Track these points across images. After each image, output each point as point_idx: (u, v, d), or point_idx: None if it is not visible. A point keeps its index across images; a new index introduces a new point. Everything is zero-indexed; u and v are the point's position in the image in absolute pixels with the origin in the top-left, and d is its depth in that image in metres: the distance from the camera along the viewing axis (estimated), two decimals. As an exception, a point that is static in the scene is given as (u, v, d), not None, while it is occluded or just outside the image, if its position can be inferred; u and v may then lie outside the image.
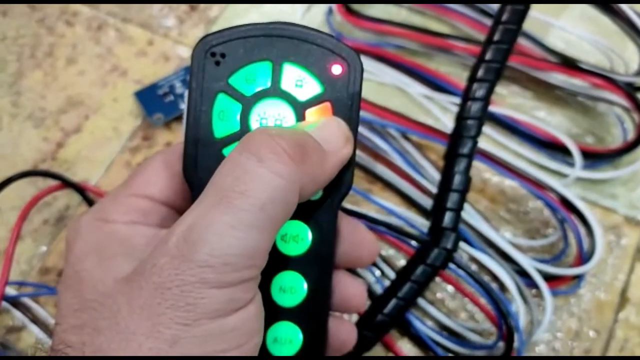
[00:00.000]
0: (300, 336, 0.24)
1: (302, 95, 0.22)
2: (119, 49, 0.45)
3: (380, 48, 0.43)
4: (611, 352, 0.35)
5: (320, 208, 0.23)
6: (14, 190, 0.36)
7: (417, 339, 0.34)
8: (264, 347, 0.23)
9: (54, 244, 0.38)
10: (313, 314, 0.24)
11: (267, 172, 0.19)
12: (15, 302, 0.35)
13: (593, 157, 0.39)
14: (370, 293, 0.34)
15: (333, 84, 0.22)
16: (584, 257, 0.35)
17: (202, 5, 0.46)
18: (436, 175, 0.37)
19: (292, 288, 0.23)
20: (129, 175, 0.24)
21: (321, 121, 0.22)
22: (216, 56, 0.22)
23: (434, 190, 0.36)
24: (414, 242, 0.35)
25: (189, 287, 0.18)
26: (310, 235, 0.23)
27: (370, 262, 0.26)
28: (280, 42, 0.22)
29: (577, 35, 0.42)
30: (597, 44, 0.41)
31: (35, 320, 0.35)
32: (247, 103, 0.22)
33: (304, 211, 0.23)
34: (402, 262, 0.37)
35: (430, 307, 0.35)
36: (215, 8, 0.46)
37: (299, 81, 0.22)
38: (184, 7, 0.46)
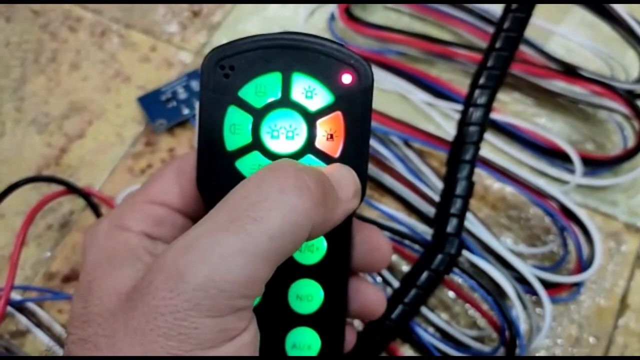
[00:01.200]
0: (319, 341, 0.24)
1: (313, 106, 0.22)
2: (122, 54, 0.45)
3: (381, 55, 0.43)
4: (611, 358, 0.35)
5: None
6: (18, 196, 0.37)
7: (419, 345, 0.35)
8: (282, 353, 0.24)
9: (58, 249, 0.38)
10: (331, 319, 0.24)
11: (286, 205, 0.18)
12: (19, 306, 0.36)
13: (593, 164, 0.39)
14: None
15: (343, 94, 0.22)
16: (583, 265, 0.35)
17: (205, 11, 0.47)
18: (437, 182, 0.37)
19: (309, 295, 0.24)
20: (145, 181, 0.24)
21: (336, 168, 0.22)
22: (225, 69, 0.22)
23: (435, 197, 0.36)
24: (417, 248, 0.35)
25: (182, 314, 0.17)
26: (325, 244, 0.23)
27: (384, 266, 0.26)
28: (289, 53, 0.22)
29: (578, 43, 0.43)
30: (597, 51, 0.41)
31: (40, 324, 0.35)
32: (258, 115, 0.22)
33: None
34: (404, 267, 0.37)
35: (430, 314, 0.35)
36: (218, 14, 0.46)
37: (309, 91, 0.22)
38: (186, 13, 0.47)
